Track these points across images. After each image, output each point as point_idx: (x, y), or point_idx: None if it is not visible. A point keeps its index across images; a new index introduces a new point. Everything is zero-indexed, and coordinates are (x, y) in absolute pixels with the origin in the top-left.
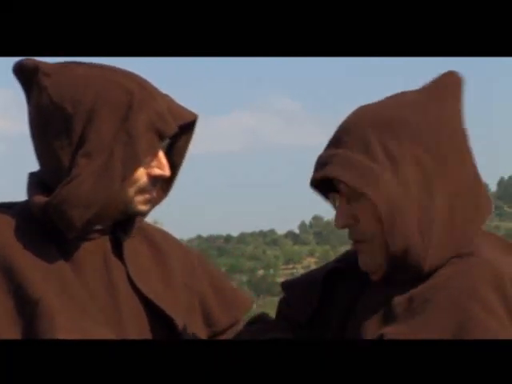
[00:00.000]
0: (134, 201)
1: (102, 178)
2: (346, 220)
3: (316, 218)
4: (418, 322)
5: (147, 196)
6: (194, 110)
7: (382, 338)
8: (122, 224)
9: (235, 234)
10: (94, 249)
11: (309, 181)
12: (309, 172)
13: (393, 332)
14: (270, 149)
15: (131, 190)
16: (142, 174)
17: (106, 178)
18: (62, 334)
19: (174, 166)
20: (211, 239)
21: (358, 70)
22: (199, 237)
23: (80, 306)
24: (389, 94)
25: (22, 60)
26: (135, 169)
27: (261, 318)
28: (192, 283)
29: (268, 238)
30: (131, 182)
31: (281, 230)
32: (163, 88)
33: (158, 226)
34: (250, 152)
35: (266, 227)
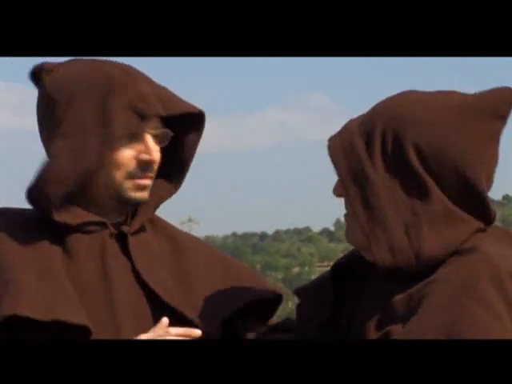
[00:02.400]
0: (123, 186)
1: (77, 155)
2: (339, 191)
3: None
4: (414, 318)
5: (138, 181)
6: (227, 107)
7: (380, 338)
8: (130, 218)
9: (270, 231)
10: (92, 242)
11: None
12: None
13: (391, 331)
14: (304, 145)
15: (119, 175)
16: (129, 159)
17: (81, 154)
18: (24, 311)
19: (184, 163)
20: (246, 237)
21: (391, 67)
22: (234, 234)
23: (59, 292)
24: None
25: (35, 64)
26: (112, 146)
27: (285, 326)
28: (218, 281)
29: (303, 235)
30: (118, 165)
31: (316, 228)
32: (201, 86)
33: (194, 223)
34: (284, 148)
35: (300, 224)
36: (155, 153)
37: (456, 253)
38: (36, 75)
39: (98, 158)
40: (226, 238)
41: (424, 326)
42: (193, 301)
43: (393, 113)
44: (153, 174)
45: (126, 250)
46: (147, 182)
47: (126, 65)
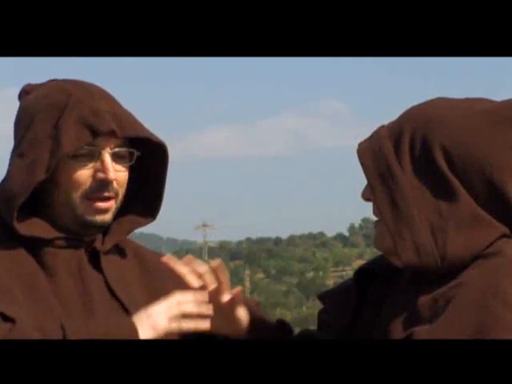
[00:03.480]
0: (80, 208)
1: (27, 170)
2: (367, 195)
3: (365, 220)
4: (439, 320)
5: (96, 204)
6: (240, 113)
7: (405, 338)
8: (102, 236)
9: (285, 236)
10: (69, 257)
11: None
12: (357, 174)
13: (415, 333)
14: (317, 151)
15: (76, 194)
16: (86, 177)
17: (31, 168)
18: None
19: (157, 195)
20: (261, 242)
21: (407, 74)
22: (249, 239)
23: (45, 309)
24: (437, 95)
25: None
26: (59, 157)
27: (303, 336)
28: None
29: (317, 240)
30: (74, 184)
31: (330, 233)
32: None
33: (209, 229)
34: (297, 154)
35: (315, 229)
36: (112, 171)
37: (481, 256)
38: (19, 97)
39: (46, 169)
40: (240, 243)
41: (450, 328)
42: None
43: (421, 117)
44: (111, 194)
45: (98, 267)
46: (106, 204)
47: (92, 85)
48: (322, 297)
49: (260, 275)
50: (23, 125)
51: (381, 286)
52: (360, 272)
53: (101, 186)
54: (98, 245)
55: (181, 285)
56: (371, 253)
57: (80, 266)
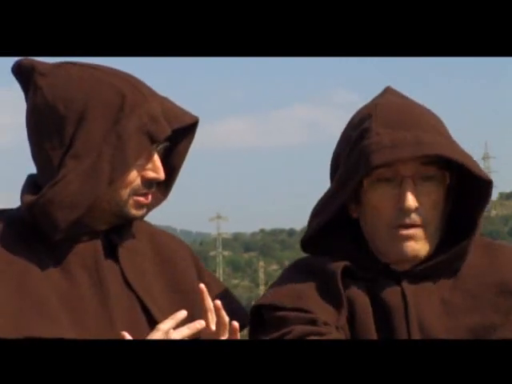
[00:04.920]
0: (127, 204)
1: (88, 180)
2: (415, 202)
3: None
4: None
5: (141, 199)
6: (254, 104)
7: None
8: (118, 227)
9: (299, 227)
10: (84, 251)
11: (373, 162)
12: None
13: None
14: (331, 142)
15: (125, 193)
16: (135, 177)
17: (92, 179)
18: None
19: (174, 169)
20: (275, 233)
21: (419, 65)
22: (262, 231)
23: (37, 306)
24: (449, 87)
25: (20, 60)
26: (124, 172)
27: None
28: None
29: None
30: (125, 184)
31: None
32: (230, 83)
33: (222, 220)
34: (311, 144)
35: None
36: (161, 171)
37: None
38: (25, 74)
39: (109, 182)
40: (254, 234)
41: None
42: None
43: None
44: (153, 190)
45: (115, 257)
46: (148, 200)
47: (132, 78)
48: (273, 300)
49: (274, 266)
50: (71, 120)
51: (355, 283)
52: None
53: (150, 183)
54: (114, 237)
55: (194, 269)
56: None
57: (96, 259)
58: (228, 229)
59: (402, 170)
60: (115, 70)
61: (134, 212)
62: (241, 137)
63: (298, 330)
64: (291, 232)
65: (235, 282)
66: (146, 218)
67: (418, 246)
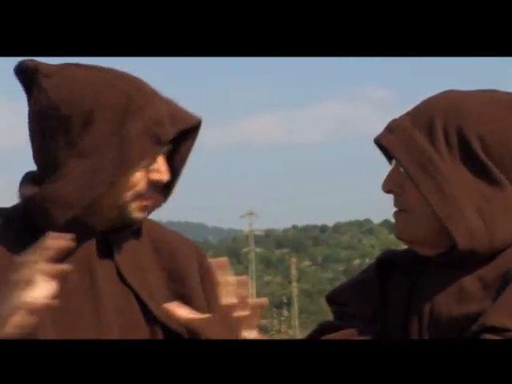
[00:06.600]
0: (129, 206)
1: (89, 180)
2: (391, 186)
3: None
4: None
5: (144, 203)
6: (285, 99)
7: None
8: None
9: (331, 223)
10: (78, 250)
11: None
12: None
13: (491, 311)
14: (361, 138)
15: (128, 195)
16: (140, 179)
17: (93, 179)
18: None
19: (175, 171)
20: (307, 229)
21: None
22: (294, 227)
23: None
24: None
25: (22, 61)
26: (126, 173)
27: (325, 328)
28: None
29: (364, 227)
30: (128, 186)
31: (376, 219)
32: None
33: (254, 217)
34: (343, 140)
35: (361, 216)
36: (166, 174)
37: None
38: (27, 74)
39: (110, 184)
40: (286, 230)
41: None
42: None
43: (451, 107)
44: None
45: (110, 256)
46: (151, 203)
47: (137, 79)
48: (334, 295)
49: (306, 263)
50: (77, 120)
51: (401, 277)
52: (380, 263)
53: (154, 186)
54: (111, 236)
55: (192, 260)
56: None
57: (90, 257)
58: (260, 225)
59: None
60: (120, 71)
61: (137, 215)
62: (273, 132)
63: (317, 325)
64: (323, 228)
65: (268, 278)
66: (175, 216)
67: (407, 228)
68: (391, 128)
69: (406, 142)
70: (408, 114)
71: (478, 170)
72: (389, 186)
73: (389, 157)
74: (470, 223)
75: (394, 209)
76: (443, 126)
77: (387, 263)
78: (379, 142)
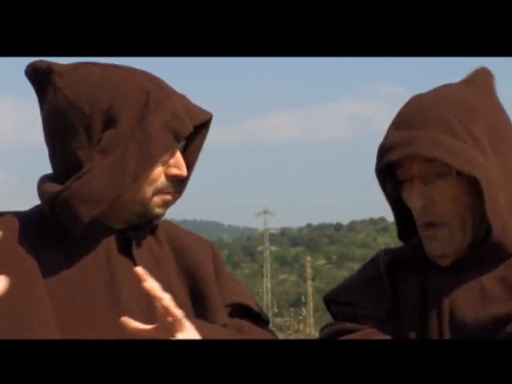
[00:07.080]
0: (151, 202)
1: (113, 175)
2: (424, 201)
3: None
4: None
5: (165, 197)
6: (301, 96)
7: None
8: (135, 225)
9: (345, 221)
10: (98, 248)
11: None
12: None
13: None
14: (377, 135)
15: (149, 191)
16: (159, 174)
17: (117, 175)
18: None
19: (189, 166)
20: (321, 228)
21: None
22: (309, 225)
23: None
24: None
25: (34, 62)
26: (149, 168)
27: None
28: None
29: (379, 225)
30: (149, 181)
31: (391, 217)
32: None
33: (270, 215)
34: (357, 139)
35: (376, 214)
36: (184, 168)
37: None
38: (40, 75)
39: (134, 178)
40: (301, 229)
41: None
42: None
43: (458, 105)
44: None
45: (129, 254)
46: (170, 197)
47: (152, 75)
48: (334, 295)
49: (321, 261)
50: (97, 118)
51: (408, 274)
52: (389, 263)
53: (172, 181)
54: (130, 233)
55: (207, 258)
56: None
57: (109, 256)
58: (275, 224)
59: (411, 170)
60: (134, 68)
61: (158, 210)
62: (288, 131)
63: (332, 328)
64: (338, 226)
65: (283, 276)
66: (190, 215)
67: (441, 244)
68: (402, 141)
69: (437, 144)
70: (397, 127)
71: (498, 163)
72: (420, 201)
73: (381, 180)
74: (505, 220)
75: (421, 226)
76: (458, 121)
77: (392, 262)
78: (396, 158)
